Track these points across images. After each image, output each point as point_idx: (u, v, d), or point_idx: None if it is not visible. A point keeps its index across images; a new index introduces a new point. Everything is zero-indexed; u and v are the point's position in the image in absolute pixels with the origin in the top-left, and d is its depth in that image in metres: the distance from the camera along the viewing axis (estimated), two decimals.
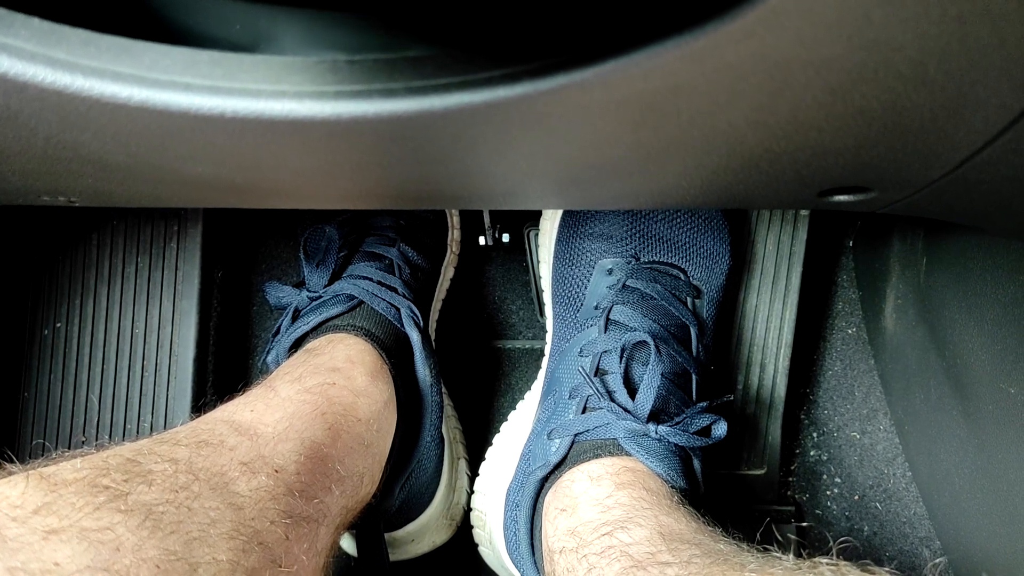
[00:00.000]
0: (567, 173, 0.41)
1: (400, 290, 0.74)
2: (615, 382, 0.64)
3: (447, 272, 0.88)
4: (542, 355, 0.80)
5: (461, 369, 0.92)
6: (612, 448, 0.61)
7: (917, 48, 0.27)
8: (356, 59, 0.30)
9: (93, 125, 0.33)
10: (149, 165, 0.39)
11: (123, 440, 0.47)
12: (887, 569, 0.42)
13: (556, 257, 0.76)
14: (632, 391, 0.63)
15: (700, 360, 0.68)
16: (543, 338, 0.91)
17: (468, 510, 0.80)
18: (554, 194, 0.47)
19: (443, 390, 0.77)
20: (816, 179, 0.42)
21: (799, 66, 0.28)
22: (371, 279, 0.74)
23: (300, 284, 0.76)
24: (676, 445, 0.62)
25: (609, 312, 0.68)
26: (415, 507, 0.75)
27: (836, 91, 0.30)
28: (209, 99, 0.30)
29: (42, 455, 0.44)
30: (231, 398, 0.58)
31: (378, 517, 0.67)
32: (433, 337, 0.84)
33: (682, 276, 0.71)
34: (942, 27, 0.26)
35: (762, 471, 0.84)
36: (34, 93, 0.30)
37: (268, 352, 0.72)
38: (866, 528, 0.85)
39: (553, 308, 0.77)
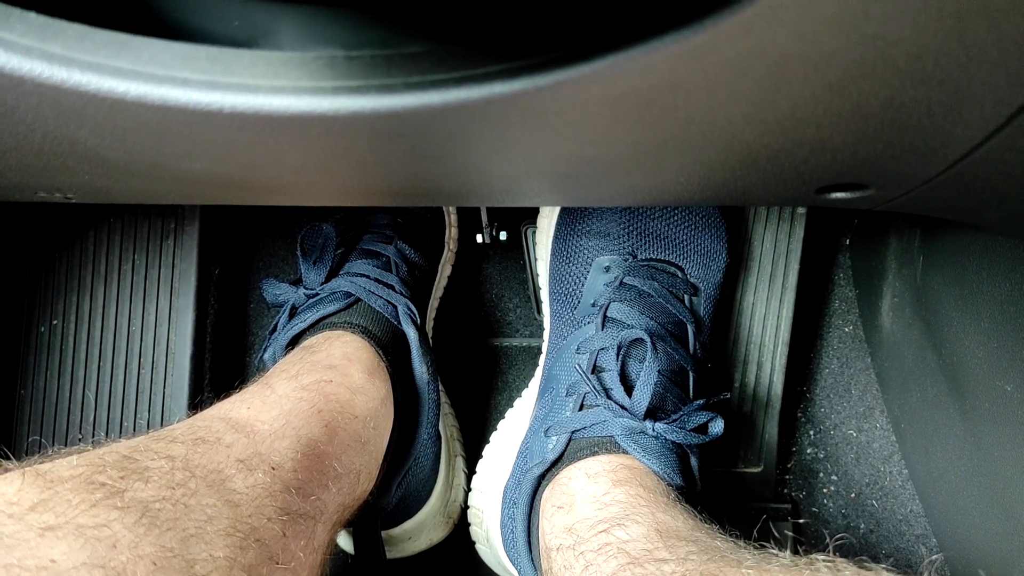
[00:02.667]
0: (564, 169, 0.41)
1: (397, 288, 0.74)
2: (612, 379, 0.64)
3: (444, 270, 0.88)
4: (539, 353, 0.80)
5: (458, 367, 0.92)
6: (609, 445, 0.61)
7: (915, 44, 0.27)
8: (354, 55, 0.30)
9: (90, 120, 0.33)
10: (146, 161, 0.39)
11: (119, 437, 0.47)
12: (883, 566, 0.42)
13: (553, 255, 0.76)
14: (629, 388, 0.63)
15: (697, 358, 0.68)
16: (540, 336, 0.91)
17: (465, 508, 0.80)
18: (552, 191, 0.47)
19: (440, 388, 0.77)
20: (814, 176, 0.42)
21: (797, 62, 0.28)
22: (368, 276, 0.74)
23: (297, 281, 0.76)
24: (673, 442, 0.62)
25: (606, 309, 0.68)
26: (412, 505, 0.75)
27: (834, 87, 0.30)
28: (207, 94, 0.30)
29: (38, 452, 0.44)
30: (228, 395, 0.58)
31: (375, 514, 0.67)
32: (430, 335, 0.84)
33: (679, 274, 0.71)
34: (940, 23, 0.26)
35: (759, 469, 0.84)
36: (31, 88, 0.30)
37: (265, 349, 0.72)
38: (862, 526, 0.85)
39: (550, 306, 0.77)
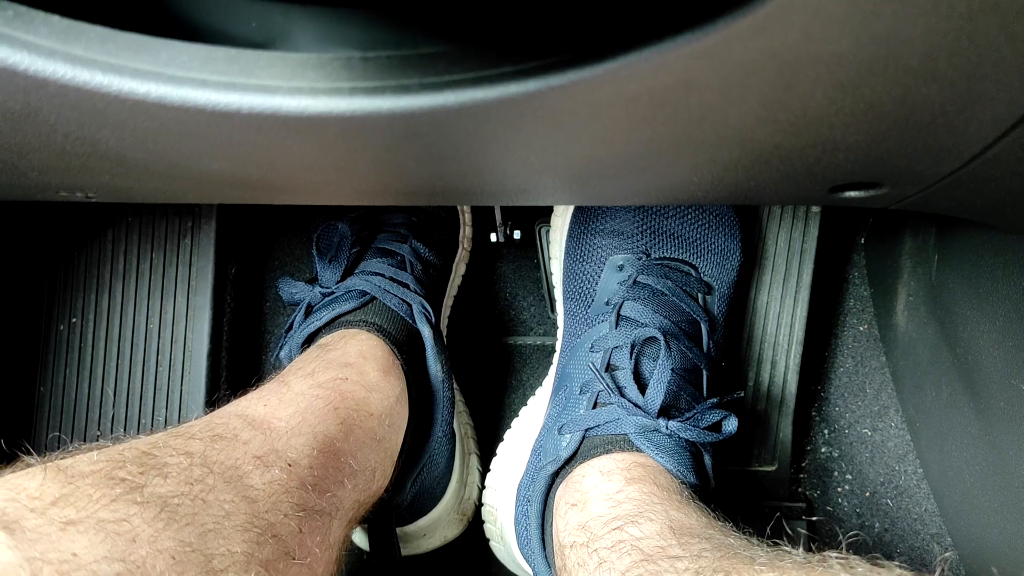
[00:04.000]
0: (578, 169, 0.41)
1: (412, 286, 0.75)
2: (625, 378, 0.64)
3: (459, 268, 0.88)
4: (553, 352, 0.80)
5: (472, 365, 0.92)
6: (623, 443, 0.61)
7: (926, 43, 0.28)
8: (370, 56, 0.30)
9: (111, 121, 0.33)
10: (166, 161, 0.39)
11: (138, 434, 0.48)
12: (896, 563, 0.42)
13: (567, 253, 0.77)
14: (643, 387, 0.64)
15: (711, 356, 0.68)
16: (554, 335, 0.91)
17: (479, 505, 0.80)
18: (566, 190, 0.47)
19: (455, 386, 0.77)
20: (827, 175, 0.42)
21: (809, 61, 0.29)
22: (383, 275, 0.74)
23: (313, 280, 0.76)
24: (687, 441, 0.62)
25: (620, 308, 0.68)
26: (427, 502, 0.75)
27: (846, 86, 0.31)
28: (225, 95, 0.30)
29: (58, 448, 0.44)
30: (244, 393, 0.59)
31: (390, 512, 0.68)
32: (445, 333, 0.84)
33: (693, 272, 0.71)
34: (950, 22, 0.26)
35: (773, 468, 0.84)
36: (54, 90, 0.30)
37: (281, 348, 0.73)
38: (877, 525, 0.85)
39: (564, 304, 0.77)
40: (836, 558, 0.43)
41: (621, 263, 0.72)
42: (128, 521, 0.39)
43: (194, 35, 0.30)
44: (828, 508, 0.86)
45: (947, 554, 0.77)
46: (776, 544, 0.47)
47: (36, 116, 0.34)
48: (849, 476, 0.87)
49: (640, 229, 0.72)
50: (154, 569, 0.38)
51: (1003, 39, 0.27)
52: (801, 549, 0.46)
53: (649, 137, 0.35)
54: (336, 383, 0.61)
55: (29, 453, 0.42)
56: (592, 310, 0.72)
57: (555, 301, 0.83)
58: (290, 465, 0.51)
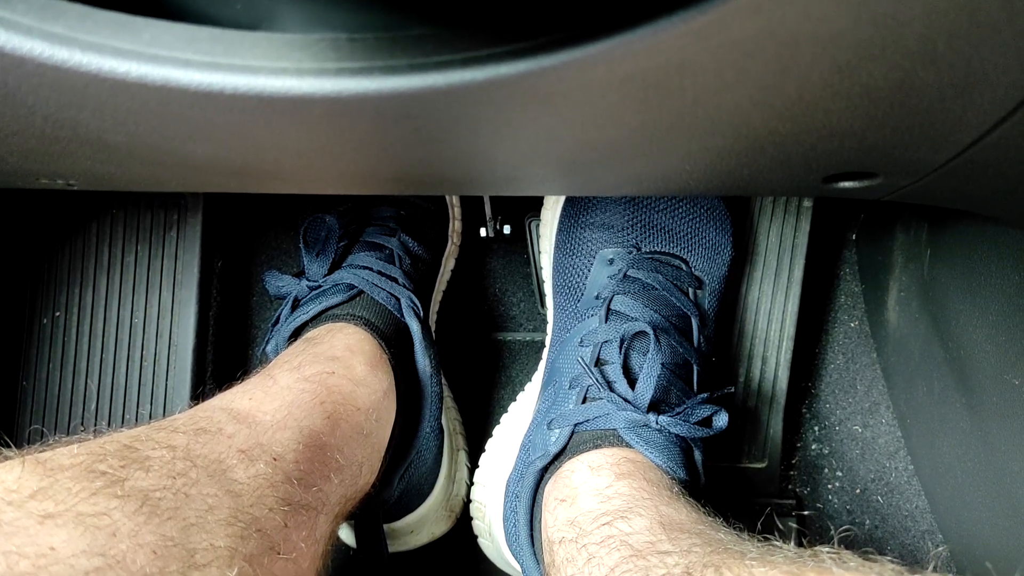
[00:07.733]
0: (569, 155, 0.41)
1: (400, 280, 0.74)
2: (615, 372, 0.64)
3: (448, 263, 0.87)
4: (543, 347, 0.79)
5: (461, 361, 0.92)
6: (612, 438, 0.61)
7: (925, 23, 0.27)
8: (358, 37, 0.29)
9: (92, 102, 0.33)
10: (148, 145, 0.39)
11: (122, 429, 0.47)
12: (888, 558, 0.41)
13: (557, 247, 0.76)
14: (632, 381, 0.63)
15: (701, 351, 0.68)
16: (544, 330, 0.91)
17: (468, 501, 0.80)
18: (556, 179, 0.47)
19: (443, 381, 0.77)
20: (822, 163, 0.42)
21: (806, 42, 0.28)
22: (371, 269, 0.74)
23: (300, 273, 0.75)
24: (677, 436, 0.61)
25: (610, 302, 0.68)
26: (414, 498, 0.75)
27: (843, 69, 0.30)
28: (209, 75, 0.29)
29: (39, 441, 0.44)
30: (230, 387, 0.58)
31: (377, 508, 0.67)
32: (433, 328, 0.83)
33: (684, 266, 0.71)
34: (951, 2, 0.26)
35: (763, 464, 0.84)
36: (32, 69, 0.30)
37: (267, 341, 0.72)
38: (868, 522, 0.84)
39: (554, 298, 0.77)
40: (828, 553, 0.42)
41: (611, 257, 0.71)
42: (108, 515, 0.38)
43: (177, 15, 0.30)
44: (818, 505, 0.86)
45: (939, 549, 0.77)
46: (767, 539, 0.47)
47: (14, 97, 0.33)
48: (840, 473, 0.87)
49: (631, 223, 0.72)
50: (134, 564, 0.37)
51: (1004, 19, 0.27)
52: (792, 544, 0.45)
53: (641, 121, 0.35)
54: (323, 377, 0.60)
55: (8, 446, 0.42)
56: (582, 304, 0.71)
57: (545, 296, 0.82)
58: (275, 459, 0.50)
